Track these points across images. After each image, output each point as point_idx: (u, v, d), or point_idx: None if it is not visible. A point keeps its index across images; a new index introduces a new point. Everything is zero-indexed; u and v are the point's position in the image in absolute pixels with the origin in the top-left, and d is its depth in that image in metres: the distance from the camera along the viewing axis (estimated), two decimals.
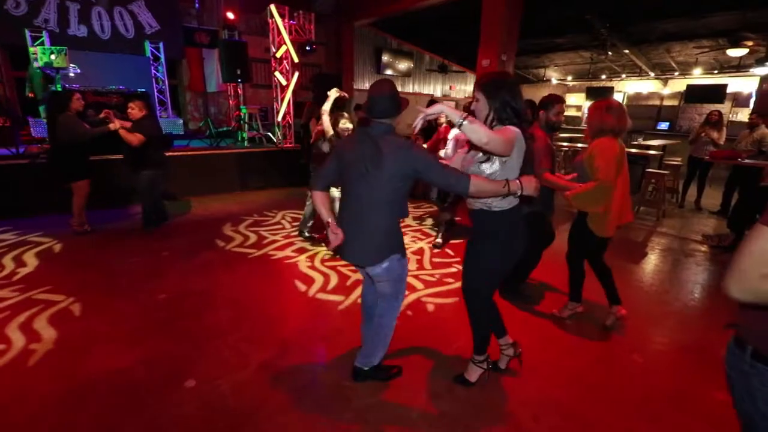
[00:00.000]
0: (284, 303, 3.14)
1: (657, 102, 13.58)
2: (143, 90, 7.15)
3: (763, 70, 8.07)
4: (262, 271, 3.69)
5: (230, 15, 7.56)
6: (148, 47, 7.79)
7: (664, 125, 12.99)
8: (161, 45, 7.86)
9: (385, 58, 12.17)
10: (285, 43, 6.92)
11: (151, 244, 4.21)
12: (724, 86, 11.41)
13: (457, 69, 13.72)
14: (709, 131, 6.06)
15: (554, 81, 14.98)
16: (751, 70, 9.49)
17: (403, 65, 12.69)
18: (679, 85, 12.70)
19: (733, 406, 1.12)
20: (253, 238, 4.54)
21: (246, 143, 7.72)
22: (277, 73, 7.08)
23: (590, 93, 13.94)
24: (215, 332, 2.67)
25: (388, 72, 12.35)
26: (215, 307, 3.01)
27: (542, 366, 2.39)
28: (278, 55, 7.00)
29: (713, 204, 6.40)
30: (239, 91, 8.37)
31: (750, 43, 7.35)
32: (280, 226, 5.01)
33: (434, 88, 13.86)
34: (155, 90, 7.92)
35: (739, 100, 11.40)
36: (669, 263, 4.23)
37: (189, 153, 6.43)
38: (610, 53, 10.75)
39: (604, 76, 13.70)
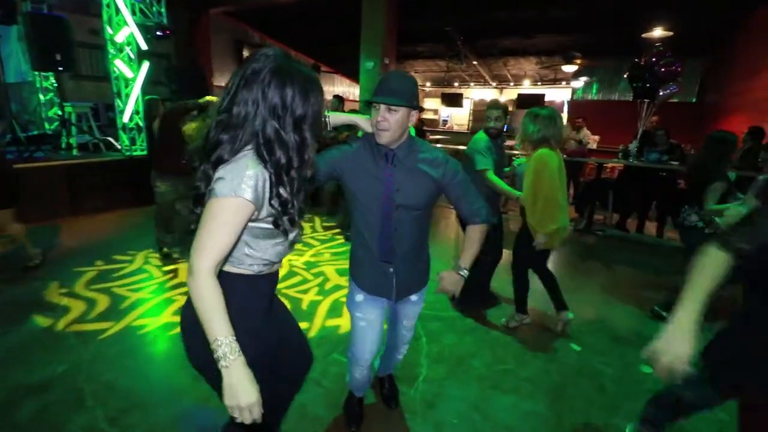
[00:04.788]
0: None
1: None
2: None
3: (578, 83, 10.05)
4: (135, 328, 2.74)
5: None
6: None
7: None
8: None
9: (246, 53, 11.05)
10: (128, 25, 5.49)
11: None
12: (543, 95, 14.00)
13: (326, 70, 13.40)
14: (574, 135, 7.15)
15: None
16: (570, 83, 11.72)
17: None
18: (512, 93, 15.00)
19: None
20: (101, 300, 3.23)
21: (75, 151, 5.93)
22: (118, 63, 5.58)
23: (444, 98, 15.36)
24: None
25: None
26: (80, 401, 2.05)
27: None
28: (117, 39, 5.53)
29: None
30: (57, 84, 6.39)
31: (579, 61, 9.08)
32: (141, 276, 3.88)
33: None
34: None
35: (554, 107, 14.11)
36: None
37: None
38: (464, 64, 11.97)
39: (456, 84, 15.26)
